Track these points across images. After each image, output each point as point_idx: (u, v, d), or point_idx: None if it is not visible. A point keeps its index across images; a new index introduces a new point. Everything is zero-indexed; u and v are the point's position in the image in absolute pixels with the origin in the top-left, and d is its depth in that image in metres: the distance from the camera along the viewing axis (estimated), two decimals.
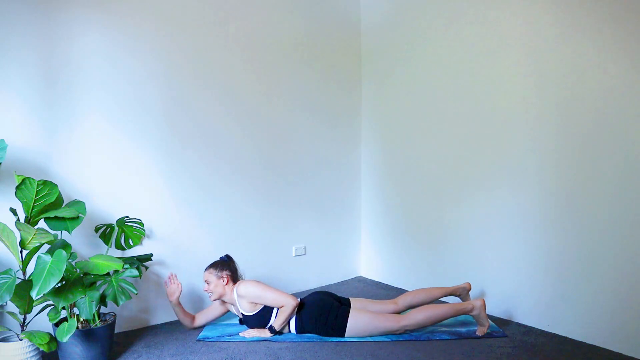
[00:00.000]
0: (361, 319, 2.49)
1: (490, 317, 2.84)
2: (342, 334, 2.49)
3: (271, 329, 2.51)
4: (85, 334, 2.13)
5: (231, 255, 3.12)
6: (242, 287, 2.55)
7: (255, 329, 2.56)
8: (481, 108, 2.94)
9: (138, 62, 2.70)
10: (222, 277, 2.58)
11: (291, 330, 2.58)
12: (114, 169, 2.64)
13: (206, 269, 2.62)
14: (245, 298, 2.54)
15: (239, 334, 2.57)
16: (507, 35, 2.77)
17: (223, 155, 3.07)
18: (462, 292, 2.76)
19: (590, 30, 2.39)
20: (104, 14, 2.58)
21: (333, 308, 2.54)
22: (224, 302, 2.68)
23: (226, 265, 2.64)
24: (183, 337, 2.58)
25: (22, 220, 2.20)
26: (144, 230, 2.65)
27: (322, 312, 2.53)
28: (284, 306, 2.48)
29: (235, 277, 2.64)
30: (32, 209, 2.09)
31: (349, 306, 2.59)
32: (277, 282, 3.35)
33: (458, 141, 3.10)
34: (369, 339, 2.49)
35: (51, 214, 2.11)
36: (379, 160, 3.76)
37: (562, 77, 2.51)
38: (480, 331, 2.52)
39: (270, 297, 2.49)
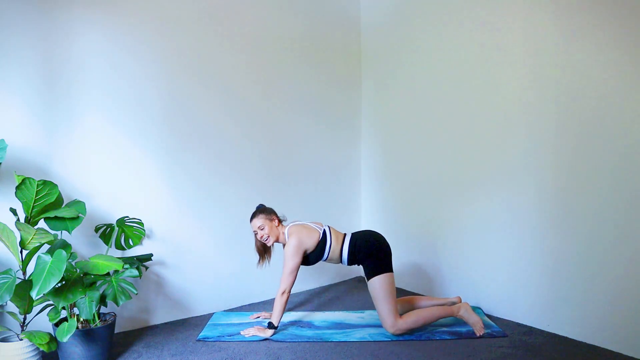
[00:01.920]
0: (386, 286, 2.50)
1: (490, 317, 2.85)
2: (369, 278, 2.55)
3: (270, 325, 2.52)
4: (85, 334, 2.13)
5: (231, 254, 3.13)
6: (289, 237, 2.60)
7: (255, 328, 2.57)
8: (480, 109, 2.94)
9: (138, 62, 2.70)
10: (273, 219, 2.66)
11: (343, 261, 2.64)
12: (114, 169, 2.64)
13: (255, 217, 2.66)
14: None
15: (240, 332, 2.58)
16: (507, 36, 2.77)
17: (223, 155, 3.07)
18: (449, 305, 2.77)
19: (590, 31, 2.39)
20: (104, 14, 2.58)
21: (386, 253, 2.59)
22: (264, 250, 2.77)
23: (270, 210, 2.70)
24: (183, 337, 2.58)
25: (22, 220, 2.20)
26: (144, 230, 2.65)
27: (378, 248, 2.59)
28: (280, 290, 2.51)
29: (279, 219, 2.71)
30: (32, 209, 2.09)
31: (390, 265, 2.59)
32: (277, 282, 3.34)
33: (457, 142, 3.10)
34: (369, 338, 2.50)
35: (51, 214, 2.12)
36: (379, 160, 3.76)
37: (562, 78, 2.51)
38: (477, 331, 2.52)
39: (284, 267, 2.55)
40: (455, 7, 3.07)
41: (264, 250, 2.75)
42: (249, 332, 2.55)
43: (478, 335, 2.50)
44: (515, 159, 2.76)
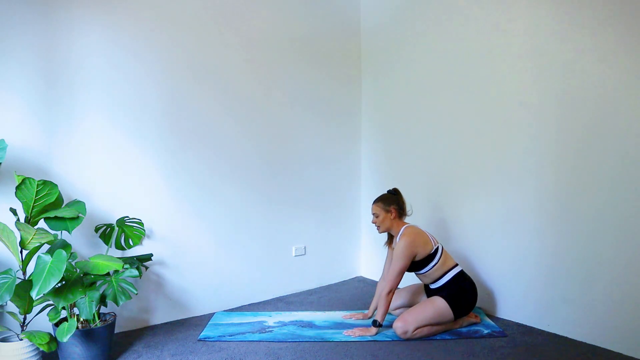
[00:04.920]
0: (442, 312, 2.48)
1: (490, 317, 2.86)
2: (436, 294, 2.56)
3: (375, 323, 2.52)
4: (85, 334, 2.13)
5: (231, 254, 3.13)
6: (401, 237, 2.54)
7: (359, 329, 2.56)
8: (481, 107, 2.94)
9: (138, 62, 2.70)
10: (390, 210, 2.60)
11: (437, 282, 2.61)
12: (114, 169, 2.64)
13: (374, 202, 2.65)
14: None
15: (343, 332, 2.56)
16: (507, 35, 2.77)
17: (223, 154, 3.07)
18: None
19: (591, 30, 2.39)
20: (104, 14, 2.58)
21: (469, 307, 2.56)
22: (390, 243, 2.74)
23: (393, 200, 2.63)
24: (183, 337, 2.58)
25: (22, 220, 2.20)
26: (144, 230, 2.65)
27: (468, 298, 2.55)
28: (386, 289, 2.47)
29: (402, 213, 2.64)
30: (32, 209, 2.09)
31: (462, 314, 2.58)
32: (277, 282, 3.35)
33: (457, 141, 3.10)
34: (369, 337, 2.50)
35: (51, 214, 2.12)
36: (379, 159, 3.76)
37: (562, 76, 2.51)
38: (474, 319, 2.71)
39: (392, 267, 2.49)
40: (455, 6, 3.07)
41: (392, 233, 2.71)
42: (354, 333, 2.53)
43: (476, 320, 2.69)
44: (515, 158, 2.76)
